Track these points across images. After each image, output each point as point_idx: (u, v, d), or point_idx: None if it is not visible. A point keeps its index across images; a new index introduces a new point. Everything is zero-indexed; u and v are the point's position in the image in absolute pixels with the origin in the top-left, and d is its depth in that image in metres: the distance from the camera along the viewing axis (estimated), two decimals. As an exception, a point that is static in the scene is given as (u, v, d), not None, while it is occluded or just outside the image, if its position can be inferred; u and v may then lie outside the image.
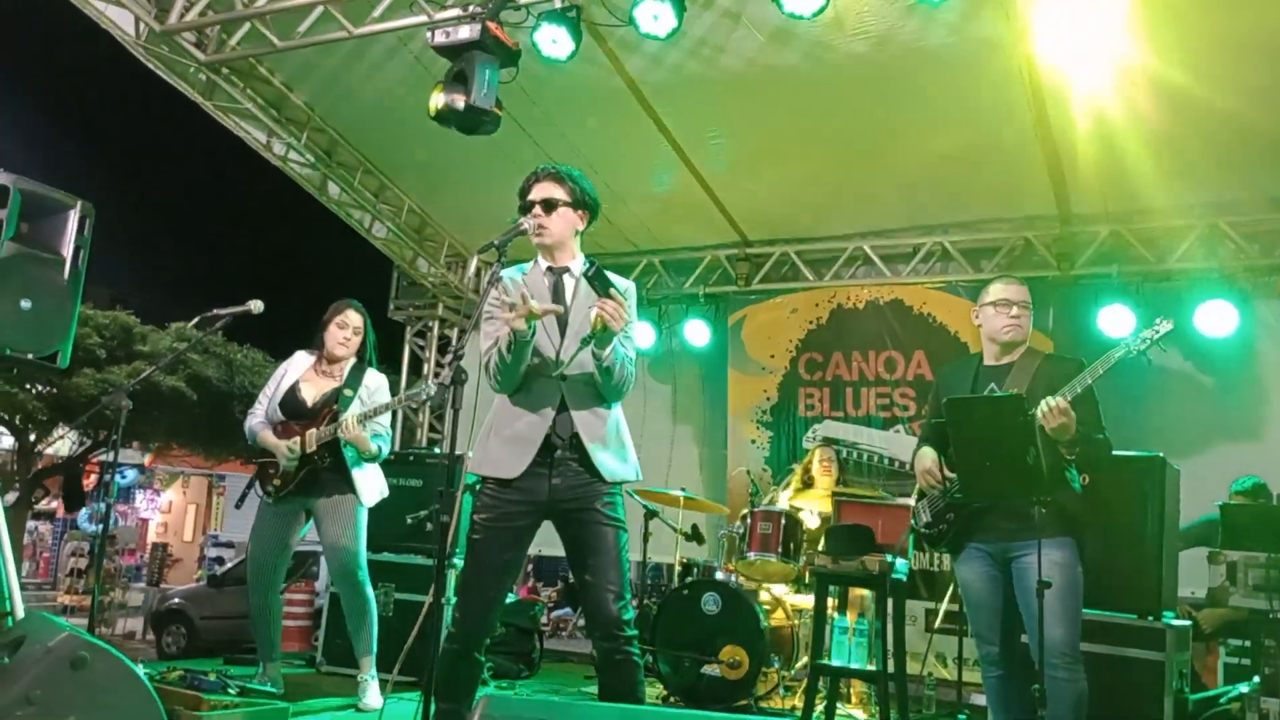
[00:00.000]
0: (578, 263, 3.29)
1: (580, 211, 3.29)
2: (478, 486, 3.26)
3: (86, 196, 3.85)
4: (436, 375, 8.67)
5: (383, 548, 5.42)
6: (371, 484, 4.68)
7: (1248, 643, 4.78)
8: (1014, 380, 3.56)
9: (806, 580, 5.54)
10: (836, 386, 7.50)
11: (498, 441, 3.17)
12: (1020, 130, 5.91)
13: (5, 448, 16.15)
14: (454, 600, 3.29)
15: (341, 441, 4.52)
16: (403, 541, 5.49)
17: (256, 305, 4.66)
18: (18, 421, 14.15)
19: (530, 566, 19.01)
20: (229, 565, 14.10)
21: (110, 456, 4.26)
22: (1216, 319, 6.26)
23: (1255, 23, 4.91)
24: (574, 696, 5.73)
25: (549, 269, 3.30)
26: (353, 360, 4.74)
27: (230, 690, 4.07)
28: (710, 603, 5.37)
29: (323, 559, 5.99)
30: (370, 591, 4.69)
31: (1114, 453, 3.59)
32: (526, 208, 3.24)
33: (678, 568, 6.33)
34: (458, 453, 3.01)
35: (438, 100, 5.14)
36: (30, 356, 3.66)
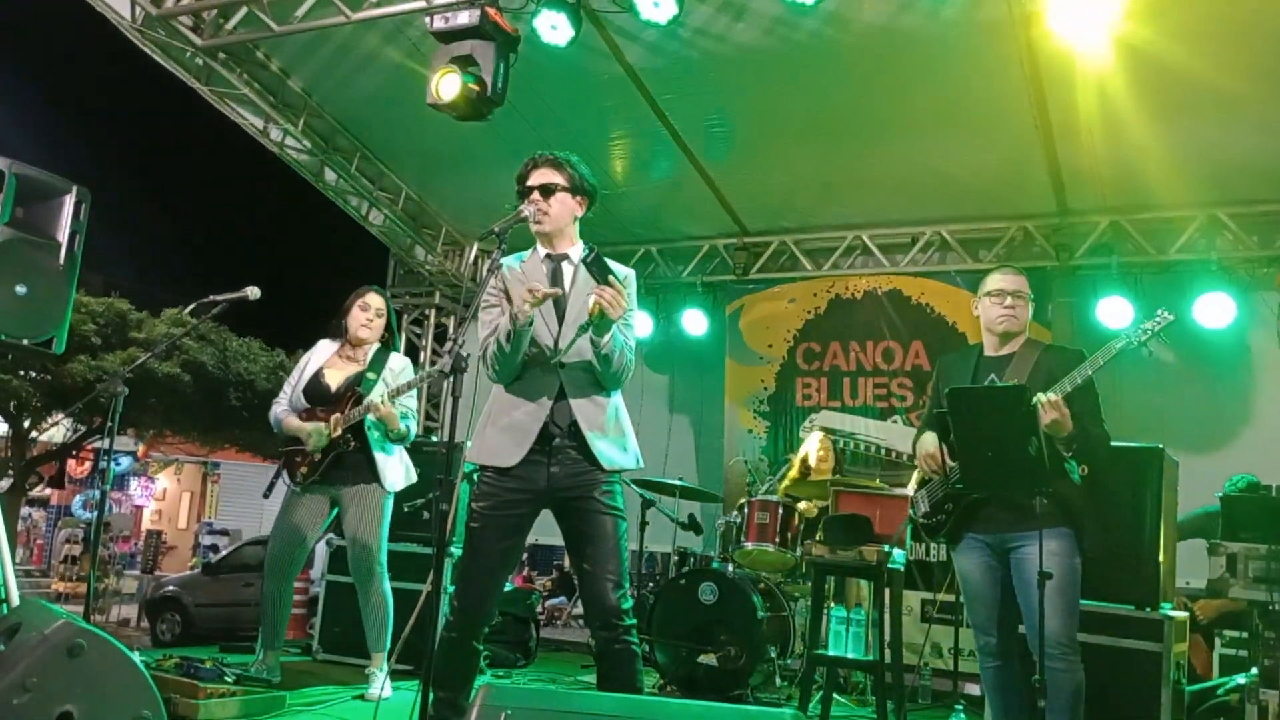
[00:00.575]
0: (576, 249, 3.27)
1: (579, 197, 3.27)
2: (475, 475, 3.25)
3: (82, 182, 3.83)
4: (434, 363, 8.65)
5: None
6: (397, 469, 4.68)
7: (1244, 634, 4.79)
8: (1014, 371, 3.55)
9: (803, 570, 5.54)
10: (834, 376, 7.50)
11: (495, 430, 3.15)
12: (1020, 120, 5.89)
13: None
14: (452, 589, 3.28)
15: (367, 424, 4.52)
16: (400, 530, 5.45)
17: (253, 291, 4.63)
18: (12, 408, 14.13)
19: (525, 555, 19.02)
20: (224, 553, 14.08)
21: (105, 444, 4.23)
22: (1215, 310, 6.26)
23: (1259, 8, 4.89)
24: (571, 685, 5.73)
25: (548, 256, 3.28)
26: (376, 345, 4.75)
27: (227, 678, 4.06)
28: (707, 592, 5.37)
29: (318, 547, 5.98)
30: (388, 586, 4.65)
31: (1113, 444, 3.58)
32: (525, 194, 3.22)
33: (674, 557, 6.34)
34: (456, 441, 2.99)
35: (445, 88, 5.09)
36: (25, 342, 3.64)
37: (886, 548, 4.68)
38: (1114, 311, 6.43)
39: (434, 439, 6.56)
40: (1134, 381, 6.25)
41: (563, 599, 14.77)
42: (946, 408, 3.29)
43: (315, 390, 4.61)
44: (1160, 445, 4.03)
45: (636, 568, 8.78)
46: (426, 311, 9.06)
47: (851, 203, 7.29)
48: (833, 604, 5.23)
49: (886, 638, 4.92)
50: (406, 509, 5.47)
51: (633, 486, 6.19)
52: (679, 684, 5.32)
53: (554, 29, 5.11)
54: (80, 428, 15.89)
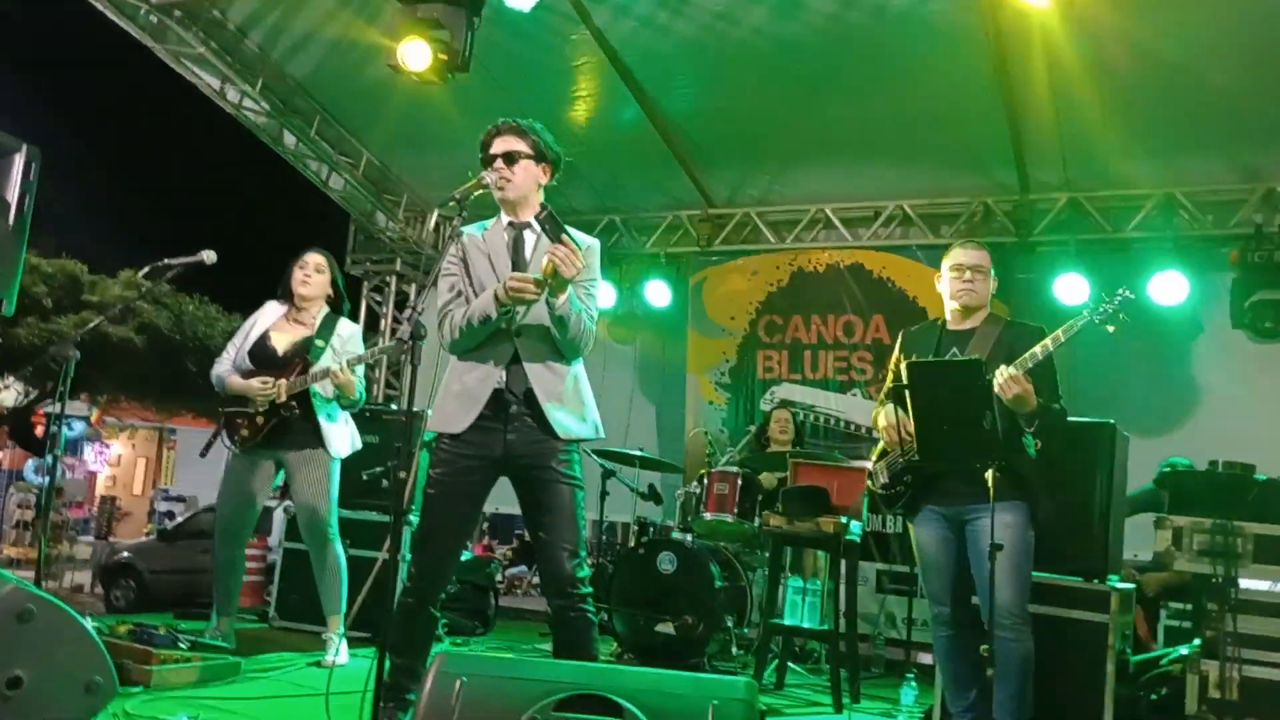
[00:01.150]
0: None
1: (543, 165, 3.26)
2: (434, 443, 3.24)
3: (35, 142, 3.73)
4: (395, 331, 8.58)
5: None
6: (342, 434, 4.65)
7: (1188, 606, 4.91)
8: (975, 345, 3.59)
9: (762, 540, 5.59)
10: (795, 349, 7.53)
11: (449, 397, 3.16)
12: (982, 96, 5.92)
13: (-52, 398, 15.79)
14: (409, 556, 3.28)
15: (311, 391, 4.48)
16: (358, 498, 5.44)
17: (209, 256, 4.56)
18: (-39, 371, 13.84)
19: (486, 524, 19.00)
20: (180, 519, 13.92)
21: (57, 408, 4.17)
22: (1169, 288, 6.35)
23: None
24: (528, 653, 5.76)
25: (510, 224, 3.26)
26: (324, 309, 4.70)
27: (181, 645, 4.03)
28: (665, 562, 5.40)
29: (275, 514, 5.94)
30: (340, 549, 4.63)
31: (1067, 419, 3.64)
32: (488, 161, 3.20)
33: (634, 527, 6.37)
34: (416, 409, 2.98)
35: (414, 58, 5.01)
36: (-28, 304, 3.56)
37: (844, 519, 4.74)
38: (1070, 288, 6.50)
39: (393, 407, 6.53)
40: (1089, 358, 6.33)
41: (523, 568, 14.80)
42: (905, 380, 3.32)
43: (261, 353, 4.55)
44: (1113, 421, 4.10)
45: (596, 537, 8.84)
46: (388, 279, 8.97)
47: (815, 175, 7.30)
48: (790, 574, 5.29)
49: (842, 608, 5.00)
50: (366, 477, 5.44)
51: (593, 456, 6.20)
52: (637, 652, 5.36)
53: (517, -7, 5.05)
54: (33, 391, 15.60)
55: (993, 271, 3.69)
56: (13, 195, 3.69)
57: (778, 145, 7.04)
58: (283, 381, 4.46)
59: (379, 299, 9.02)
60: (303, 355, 4.53)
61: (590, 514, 6.65)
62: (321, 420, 4.52)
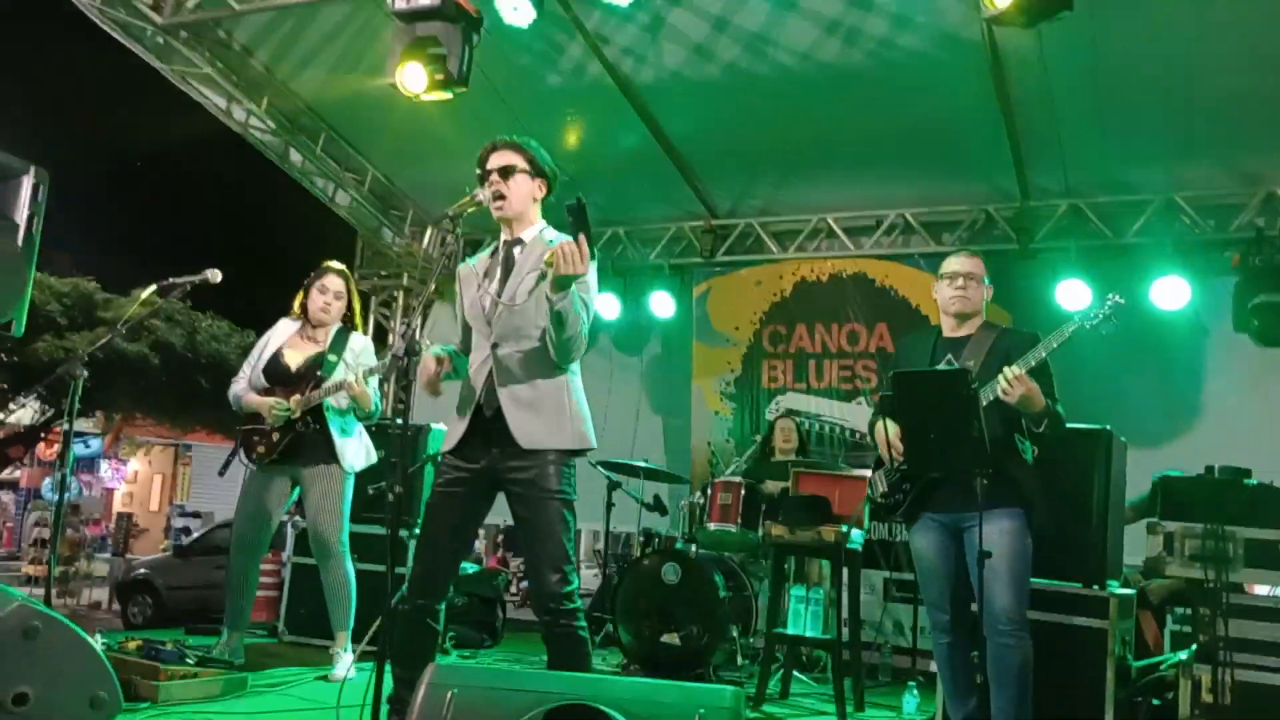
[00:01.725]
0: (534, 230, 3.28)
1: (538, 180, 3.28)
2: (439, 457, 3.29)
3: (50, 165, 3.81)
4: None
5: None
6: (357, 449, 4.70)
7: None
8: (970, 352, 3.61)
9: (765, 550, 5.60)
10: (799, 358, 7.56)
11: (455, 411, 3.22)
12: (981, 104, 5.95)
13: (-36, 417, 15.95)
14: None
15: (326, 405, 4.53)
16: (365, 512, 5.48)
17: (214, 274, 4.62)
18: (-22, 390, 13.99)
19: (500, 537, 19.07)
20: (195, 535, 14.02)
21: (66, 426, 4.23)
22: (1170, 293, 6.36)
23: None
24: (535, 665, 5.78)
25: (504, 243, 3.29)
26: (337, 325, 4.75)
27: (188, 660, 4.08)
28: (670, 572, 5.42)
29: (288, 529, 5.99)
30: (350, 565, 4.67)
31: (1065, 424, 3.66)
32: (484, 177, 3.23)
33: (639, 538, 6.39)
34: (418, 423, 3.03)
35: (411, 80, 5.10)
36: (-18, 324, 3.62)
37: (845, 527, 4.75)
38: (1072, 295, 6.51)
39: (399, 421, 6.57)
40: (1093, 366, 6.34)
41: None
42: (892, 390, 3.35)
43: (275, 370, 4.62)
44: (1109, 427, 4.11)
45: (605, 548, 8.87)
46: (395, 293, 9.03)
47: (816, 185, 7.34)
48: (794, 583, 5.30)
49: (845, 616, 5.01)
50: (372, 491, 5.49)
51: (599, 469, 6.23)
52: (642, 663, 5.38)
53: (515, 10, 5.11)
54: (49, 410, 15.75)
55: (986, 279, 3.71)
56: (21, 216, 3.77)
57: (779, 156, 7.08)
58: (296, 397, 4.51)
59: (386, 313, 9.09)
60: (315, 371, 4.58)
61: (596, 526, 6.74)
62: (335, 434, 4.58)
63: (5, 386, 14.02)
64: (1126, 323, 6.65)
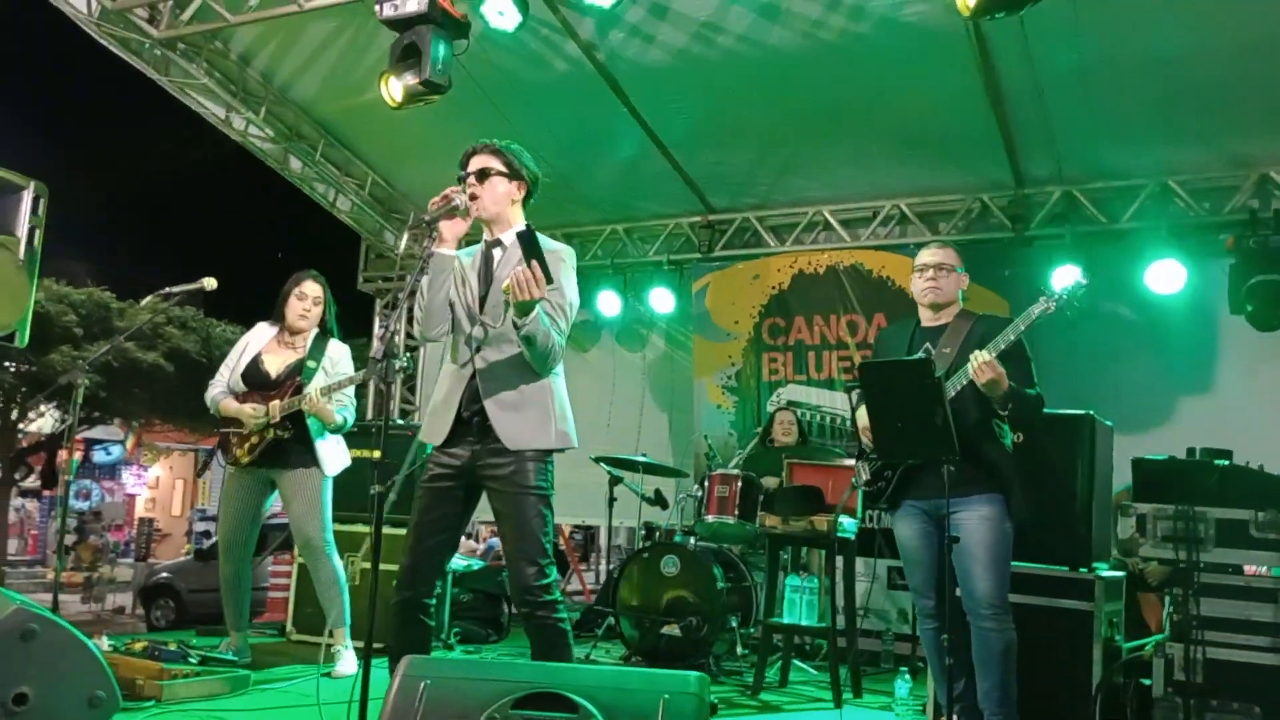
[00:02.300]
0: (513, 232, 3.34)
1: (516, 182, 3.34)
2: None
3: (62, 181, 3.90)
4: (406, 347, 8.72)
5: (345, 519, 5.51)
6: (334, 454, 4.76)
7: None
8: (948, 340, 3.66)
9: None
10: (799, 350, 7.59)
11: (432, 409, 3.29)
12: (969, 94, 5.96)
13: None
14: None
15: (305, 412, 4.59)
16: (365, 512, 5.57)
17: (209, 282, 4.74)
18: (-1, 400, 14.20)
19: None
20: (215, 539, 14.20)
21: (87, 432, 4.34)
22: (1166, 277, 6.36)
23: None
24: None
25: (485, 242, 3.37)
26: (315, 331, 4.79)
27: (191, 660, 4.18)
28: (669, 565, 5.49)
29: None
30: (338, 563, 4.75)
31: (1046, 411, 3.70)
32: (462, 180, 3.30)
33: (640, 532, 6.46)
34: (411, 425, 3.10)
35: (395, 92, 5.20)
36: (-15, 336, 3.72)
37: (835, 516, 4.80)
38: (1068, 280, 6.49)
39: (398, 421, 6.65)
40: (1089, 349, 6.37)
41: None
42: (859, 381, 3.41)
43: (254, 375, 4.68)
44: (1091, 412, 4.15)
45: (607, 542, 8.94)
46: (398, 295, 9.12)
47: (811, 179, 7.37)
48: (790, 573, 5.36)
49: (839, 604, 5.07)
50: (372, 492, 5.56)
51: (602, 465, 6.31)
52: (644, 655, 5.45)
53: (501, 15, 5.18)
54: (68, 418, 15.94)
55: (960, 268, 3.76)
56: (22, 230, 3.88)
57: (774, 150, 7.11)
58: (275, 403, 4.58)
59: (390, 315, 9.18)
60: (294, 377, 4.65)
61: (598, 520, 6.80)
62: (315, 440, 4.64)
63: (23, 397, 14.22)
64: (1123, 306, 6.71)
